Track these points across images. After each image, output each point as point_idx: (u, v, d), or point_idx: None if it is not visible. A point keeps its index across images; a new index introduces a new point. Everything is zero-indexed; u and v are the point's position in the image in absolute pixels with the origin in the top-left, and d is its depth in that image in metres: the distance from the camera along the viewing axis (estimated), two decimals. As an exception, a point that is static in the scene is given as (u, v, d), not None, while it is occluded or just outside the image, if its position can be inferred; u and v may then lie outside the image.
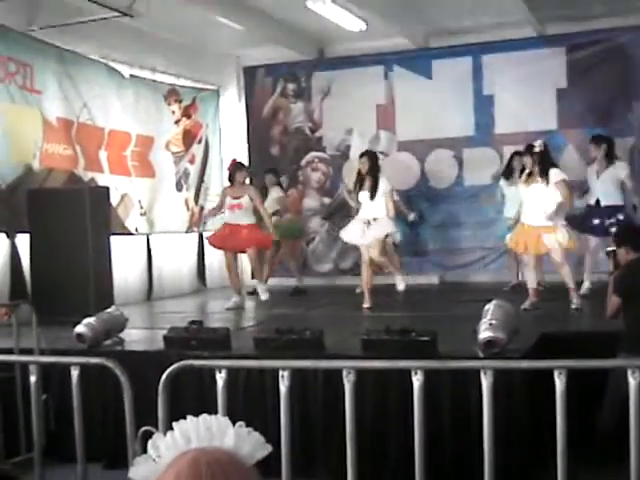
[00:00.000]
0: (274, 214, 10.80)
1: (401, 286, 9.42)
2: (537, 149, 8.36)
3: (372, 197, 9.07)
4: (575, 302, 8.19)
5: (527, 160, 8.49)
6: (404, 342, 5.71)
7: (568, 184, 8.39)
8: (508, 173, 10.34)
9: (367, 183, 9.18)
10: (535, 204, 8.25)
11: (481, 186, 11.91)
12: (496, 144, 11.88)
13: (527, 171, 8.45)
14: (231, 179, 9.88)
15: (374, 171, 9.23)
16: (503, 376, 4.78)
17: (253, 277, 10.96)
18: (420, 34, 12.24)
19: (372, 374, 5.52)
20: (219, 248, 10.07)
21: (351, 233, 9.42)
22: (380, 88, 12.45)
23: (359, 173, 9.35)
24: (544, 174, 8.26)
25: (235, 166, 10.03)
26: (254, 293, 10.21)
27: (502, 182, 10.52)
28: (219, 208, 10.05)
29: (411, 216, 10.15)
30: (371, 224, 9.09)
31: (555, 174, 8.28)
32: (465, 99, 11.95)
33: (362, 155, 9.52)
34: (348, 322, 8.25)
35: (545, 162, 8.34)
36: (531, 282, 8.51)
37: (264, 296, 9.75)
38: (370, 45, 12.08)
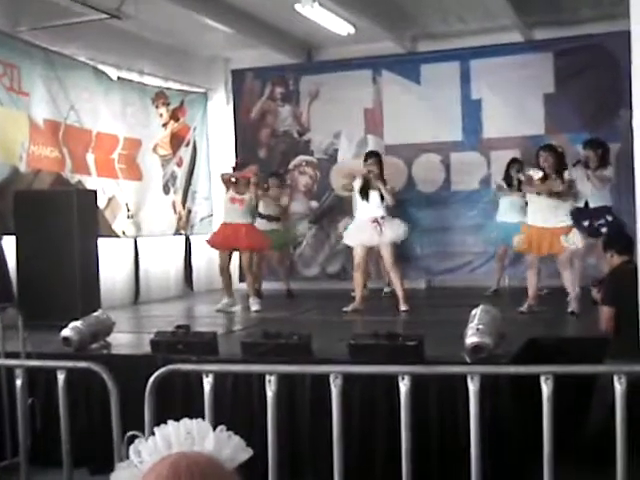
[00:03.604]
0: (272, 219, 10.87)
1: (404, 307, 9.08)
2: (560, 149, 8.40)
3: (382, 198, 9.06)
4: (573, 306, 8.20)
5: (548, 159, 8.40)
6: (391, 347, 5.71)
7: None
8: (509, 180, 10.31)
9: (374, 183, 9.12)
10: (549, 205, 8.27)
11: (469, 191, 11.96)
12: (484, 149, 11.93)
13: (541, 174, 8.39)
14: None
15: (382, 171, 9.24)
16: (490, 381, 4.78)
17: (241, 280, 10.96)
18: (408, 38, 12.27)
19: (359, 379, 5.52)
20: (218, 248, 9.96)
21: (359, 235, 9.26)
22: (368, 92, 12.47)
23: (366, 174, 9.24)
24: (560, 175, 8.30)
25: (239, 165, 10.22)
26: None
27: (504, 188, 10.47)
28: None
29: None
30: (382, 223, 9.05)
31: (567, 174, 8.38)
32: (453, 104, 11.98)
33: (369, 157, 9.44)
34: (335, 327, 8.24)
35: (563, 163, 8.39)
36: (532, 285, 8.53)
37: (254, 307, 9.69)
38: (358, 49, 12.10)
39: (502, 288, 10.51)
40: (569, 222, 8.30)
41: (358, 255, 9.28)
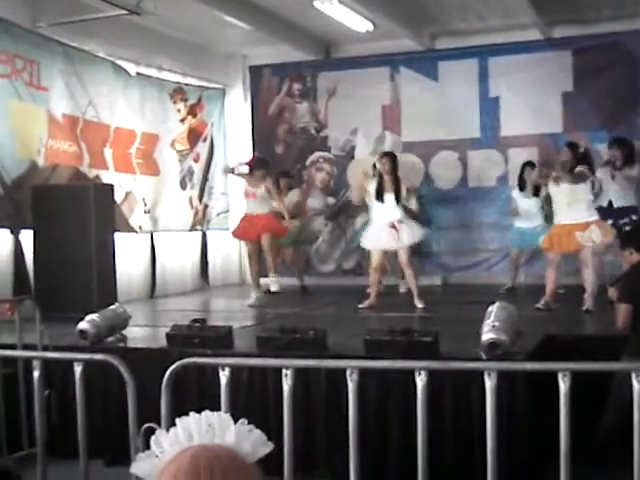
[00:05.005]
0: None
1: (419, 304, 9.07)
2: (582, 149, 8.36)
3: (397, 199, 9.03)
4: (588, 304, 8.16)
5: (568, 156, 8.34)
6: (406, 343, 5.70)
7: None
8: (522, 184, 10.28)
9: (389, 185, 9.11)
10: (569, 202, 8.22)
11: (486, 188, 11.92)
12: (501, 146, 11.89)
13: (555, 174, 8.36)
14: (251, 171, 9.93)
15: (395, 172, 9.20)
16: (506, 377, 4.77)
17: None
18: (427, 36, 12.25)
19: (374, 374, 5.52)
20: (242, 239, 10.18)
21: (377, 239, 9.21)
22: (386, 89, 12.46)
23: (379, 175, 9.20)
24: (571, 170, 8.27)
25: (256, 161, 10.17)
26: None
27: (516, 194, 10.44)
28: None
29: None
30: (399, 227, 9.02)
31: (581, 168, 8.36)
32: (471, 101, 11.95)
33: (382, 156, 9.40)
34: (351, 322, 8.24)
35: (579, 160, 8.33)
36: (551, 282, 8.48)
37: (274, 287, 9.74)
38: (377, 46, 12.09)
39: (518, 286, 10.47)
40: (590, 218, 8.20)
41: (376, 258, 9.23)
